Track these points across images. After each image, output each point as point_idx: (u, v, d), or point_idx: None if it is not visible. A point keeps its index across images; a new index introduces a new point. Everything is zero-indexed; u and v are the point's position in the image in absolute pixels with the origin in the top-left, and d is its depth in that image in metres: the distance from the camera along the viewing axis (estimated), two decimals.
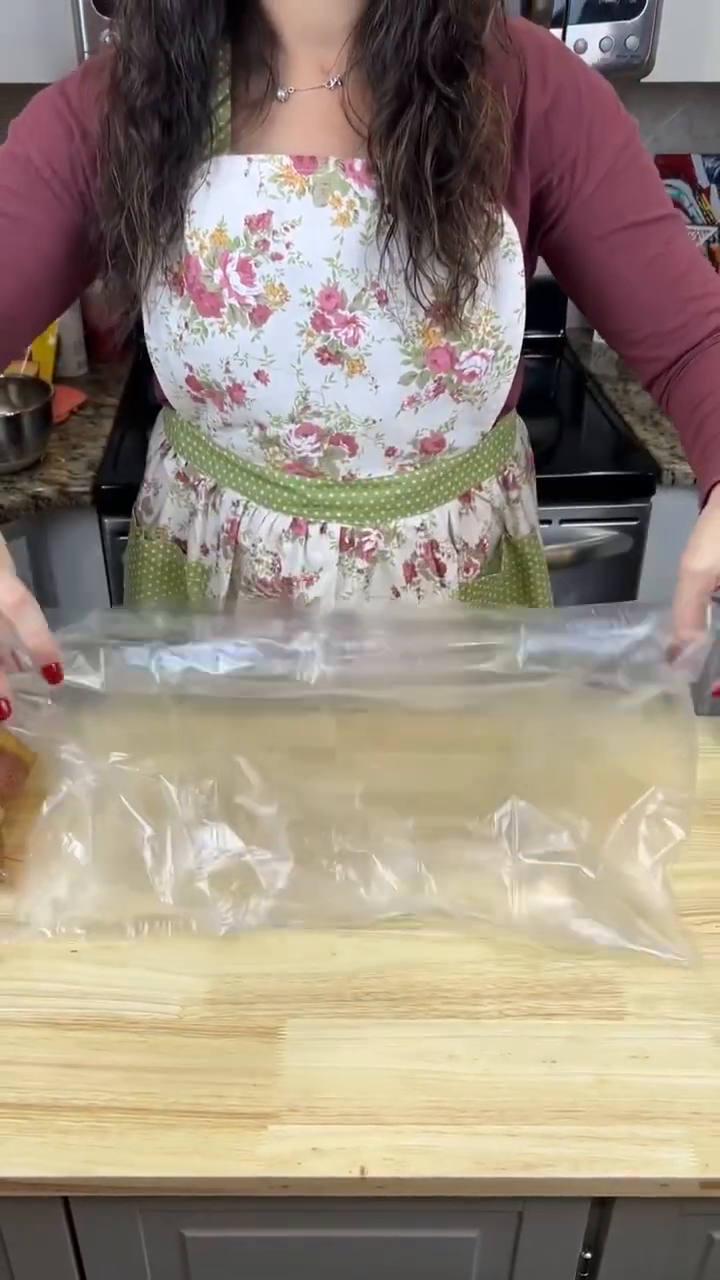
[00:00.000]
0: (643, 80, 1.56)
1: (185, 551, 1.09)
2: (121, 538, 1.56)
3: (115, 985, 0.77)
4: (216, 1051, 0.73)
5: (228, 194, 0.86)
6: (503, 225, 0.87)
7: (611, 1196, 0.70)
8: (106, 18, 1.42)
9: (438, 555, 1.03)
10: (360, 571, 1.02)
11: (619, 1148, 0.68)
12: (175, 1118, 0.69)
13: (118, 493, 1.51)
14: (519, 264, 0.90)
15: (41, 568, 1.60)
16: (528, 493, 1.11)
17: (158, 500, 1.11)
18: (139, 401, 1.81)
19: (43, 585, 1.61)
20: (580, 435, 1.81)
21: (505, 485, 1.06)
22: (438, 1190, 0.67)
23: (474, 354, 0.91)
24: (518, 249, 0.90)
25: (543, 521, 1.21)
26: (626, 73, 1.53)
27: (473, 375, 0.93)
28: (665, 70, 1.55)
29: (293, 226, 0.86)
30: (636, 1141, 0.68)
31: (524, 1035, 0.74)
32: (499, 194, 0.85)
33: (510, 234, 0.88)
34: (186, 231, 0.87)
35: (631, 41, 1.51)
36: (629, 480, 1.61)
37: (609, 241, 0.90)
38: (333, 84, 0.86)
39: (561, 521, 1.59)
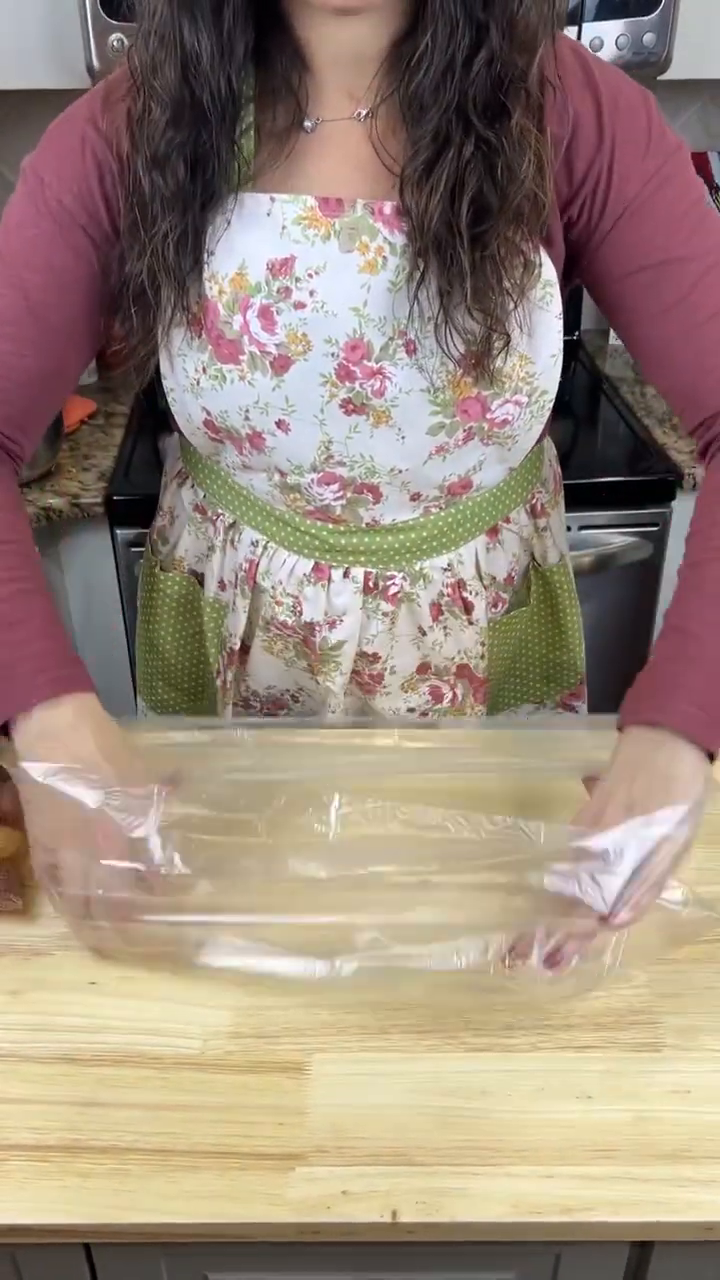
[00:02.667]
0: (659, 78, 1.53)
1: (202, 585, 1.06)
2: (135, 549, 1.54)
3: (135, 1018, 0.75)
4: (241, 1088, 0.71)
5: (249, 236, 0.81)
6: (540, 267, 0.82)
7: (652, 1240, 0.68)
8: (115, 21, 1.40)
9: (465, 594, 1.00)
10: (385, 615, 0.99)
11: (660, 1189, 0.65)
12: (200, 1159, 0.67)
13: (130, 504, 1.49)
14: (556, 307, 0.85)
15: (54, 581, 1.58)
16: (556, 519, 1.08)
17: (174, 530, 1.08)
18: (151, 409, 1.79)
19: (56, 600, 1.59)
20: (597, 439, 1.79)
21: (533, 513, 1.03)
22: (472, 1235, 0.65)
23: (507, 402, 0.87)
24: (555, 291, 0.84)
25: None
26: (643, 70, 1.50)
27: (505, 423, 0.89)
28: (682, 67, 1.52)
29: (317, 273, 0.81)
30: (678, 1183, 0.66)
31: (558, 1070, 0.72)
32: (536, 233, 0.80)
33: (548, 276, 0.83)
34: (206, 274, 0.83)
35: (648, 38, 1.48)
36: (648, 485, 1.58)
37: (626, 284, 0.84)
38: (363, 116, 0.80)
39: (580, 528, 1.57)
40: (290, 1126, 0.68)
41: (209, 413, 0.89)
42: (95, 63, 1.43)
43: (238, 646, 1.03)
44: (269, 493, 0.94)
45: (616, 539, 1.58)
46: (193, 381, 0.87)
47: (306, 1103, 0.70)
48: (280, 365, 0.84)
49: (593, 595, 1.58)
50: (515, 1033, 0.74)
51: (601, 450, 1.75)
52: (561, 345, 0.88)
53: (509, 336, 0.81)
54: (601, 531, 1.58)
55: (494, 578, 1.02)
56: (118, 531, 1.52)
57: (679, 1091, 0.71)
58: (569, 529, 1.54)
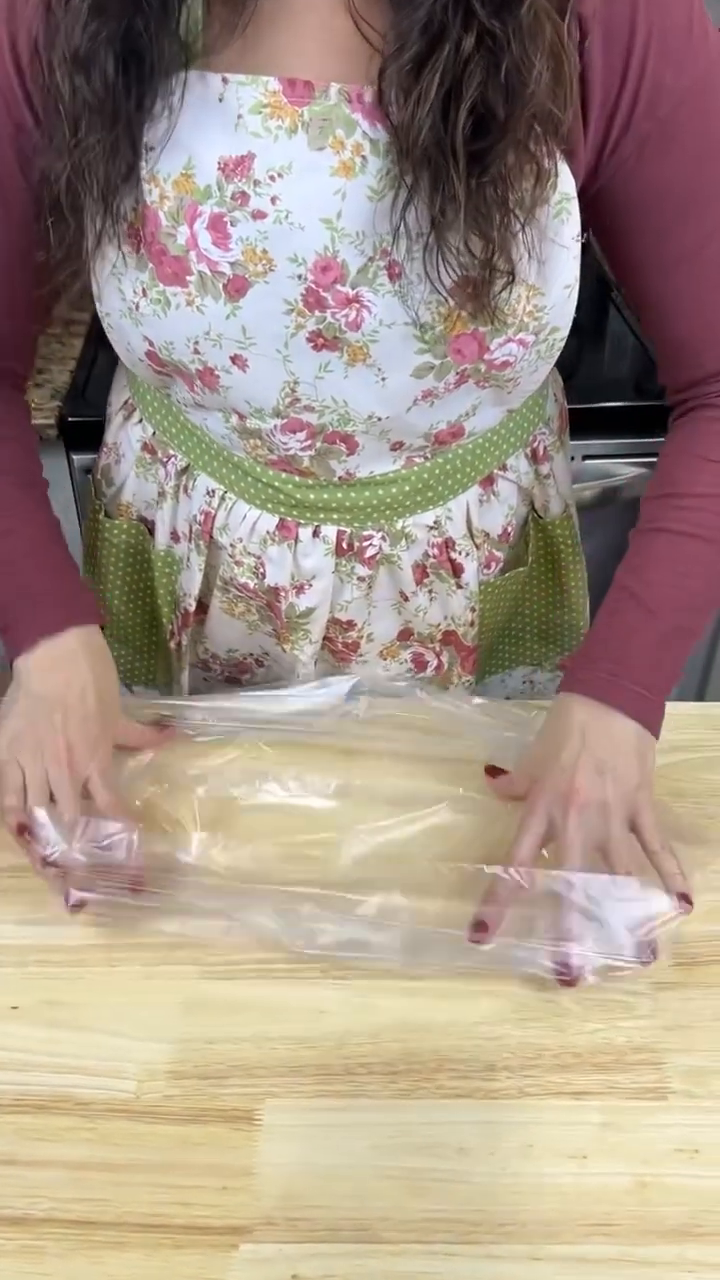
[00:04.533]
0: None
1: (153, 534, 0.93)
2: (90, 474, 1.40)
3: (63, 1052, 0.65)
4: (180, 1143, 0.61)
5: (197, 127, 0.66)
6: (556, 177, 0.66)
7: None
8: None
9: (453, 554, 0.87)
10: (361, 579, 0.86)
11: (665, 1276, 0.56)
12: (127, 1233, 0.57)
13: (87, 427, 1.34)
14: (574, 225, 0.70)
15: None
16: (560, 463, 0.94)
17: (120, 471, 0.94)
18: None
19: None
20: (604, 357, 1.63)
21: (534, 459, 0.89)
22: None
23: (509, 340, 0.72)
24: (573, 207, 0.69)
25: None
26: None
27: (506, 364, 0.74)
28: None
29: (280, 175, 0.66)
30: (683, 1267, 0.56)
31: (549, 1122, 0.62)
32: (554, 140, 0.65)
33: (565, 189, 0.68)
34: (143, 173, 0.67)
35: None
36: (660, 411, 1.43)
37: (640, 220, 0.71)
38: None
39: (584, 458, 1.43)
40: (235, 1192, 0.59)
41: (152, 343, 0.74)
42: None
43: (193, 607, 0.91)
44: (226, 436, 0.81)
45: (624, 470, 1.44)
46: (130, 306, 0.73)
47: (255, 1161, 0.60)
48: (235, 289, 0.70)
49: (594, 532, 1.45)
50: (499, 1074, 0.64)
51: (609, 369, 1.60)
52: (577, 274, 0.72)
53: (514, 264, 0.67)
54: (607, 462, 1.44)
55: (487, 534, 0.89)
56: (74, 457, 1.38)
57: (685, 1150, 0.61)
58: (571, 459, 1.41)
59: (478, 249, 0.65)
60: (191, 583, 0.89)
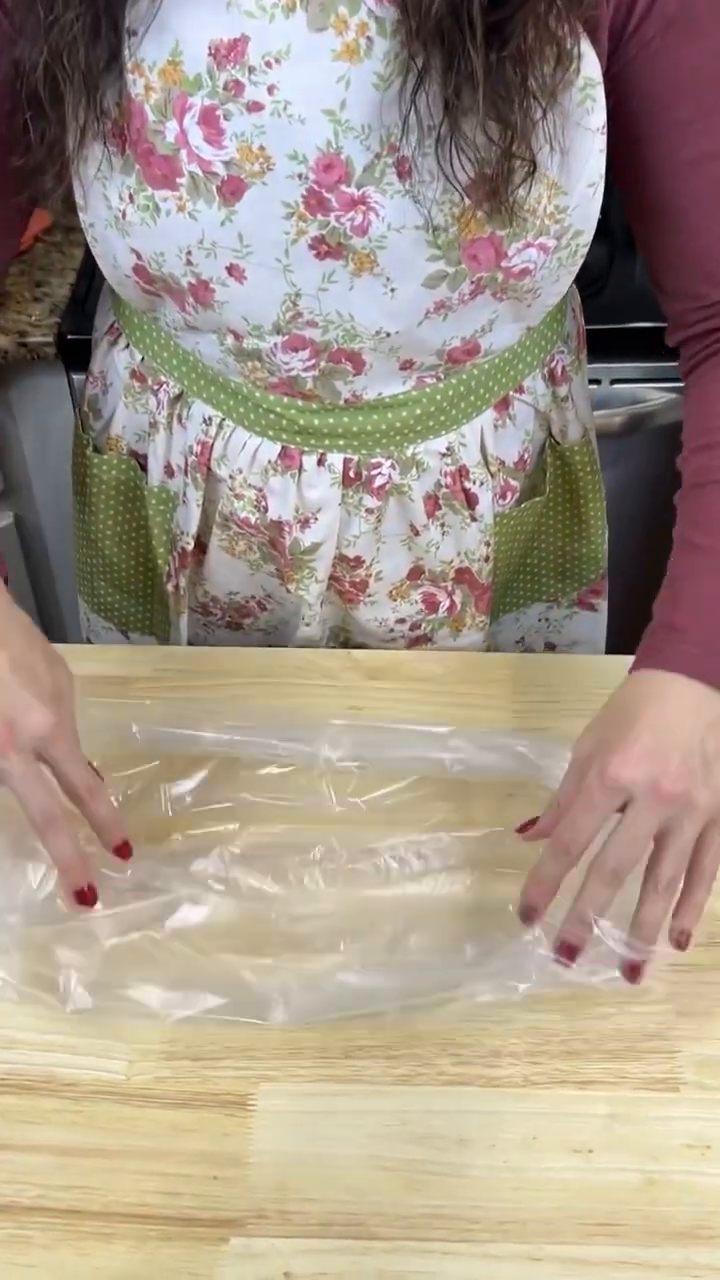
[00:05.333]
0: None
1: (145, 469, 0.88)
2: None
3: (50, 1030, 0.63)
4: (170, 1129, 0.59)
5: (184, 8, 0.59)
6: (580, 60, 0.60)
7: None
8: None
9: (467, 484, 0.81)
10: (369, 511, 0.81)
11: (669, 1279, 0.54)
12: (115, 1223, 0.56)
13: (89, 346, 1.28)
14: (599, 115, 0.63)
15: (6, 430, 1.38)
16: (579, 385, 0.87)
17: (107, 401, 0.88)
18: None
19: (9, 456, 1.40)
20: (635, 269, 1.54)
21: (552, 379, 0.83)
22: None
23: (529, 245, 0.66)
24: (599, 94, 0.62)
25: (591, 381, 0.99)
26: None
27: (525, 272, 0.68)
28: None
29: (278, 61, 0.60)
30: (690, 1271, 0.54)
31: (554, 1112, 0.60)
32: (577, 14, 0.58)
33: (589, 73, 0.61)
34: (127, 63, 0.61)
35: None
36: None
37: (657, 116, 0.64)
38: None
39: (612, 382, 1.35)
40: (226, 1182, 0.57)
41: (140, 255, 0.68)
42: None
43: (190, 546, 0.86)
44: (221, 360, 0.75)
45: (653, 395, 1.36)
46: (116, 215, 0.67)
47: (248, 1149, 0.58)
48: (231, 191, 0.64)
49: (619, 461, 1.38)
50: (504, 1060, 0.62)
51: (640, 284, 1.51)
52: (603, 171, 0.66)
53: (534, 153, 0.61)
54: (636, 386, 1.36)
55: (503, 462, 0.84)
56: (74, 376, 1.31)
57: (696, 1146, 0.59)
58: (597, 383, 1.33)
59: (496, 135, 0.59)
60: (189, 520, 0.84)
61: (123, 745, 0.73)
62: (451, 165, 0.60)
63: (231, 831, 0.71)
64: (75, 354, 1.30)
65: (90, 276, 1.40)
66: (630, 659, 0.66)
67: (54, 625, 1.64)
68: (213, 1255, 0.54)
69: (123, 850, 0.66)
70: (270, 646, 0.92)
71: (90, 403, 0.90)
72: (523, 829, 0.68)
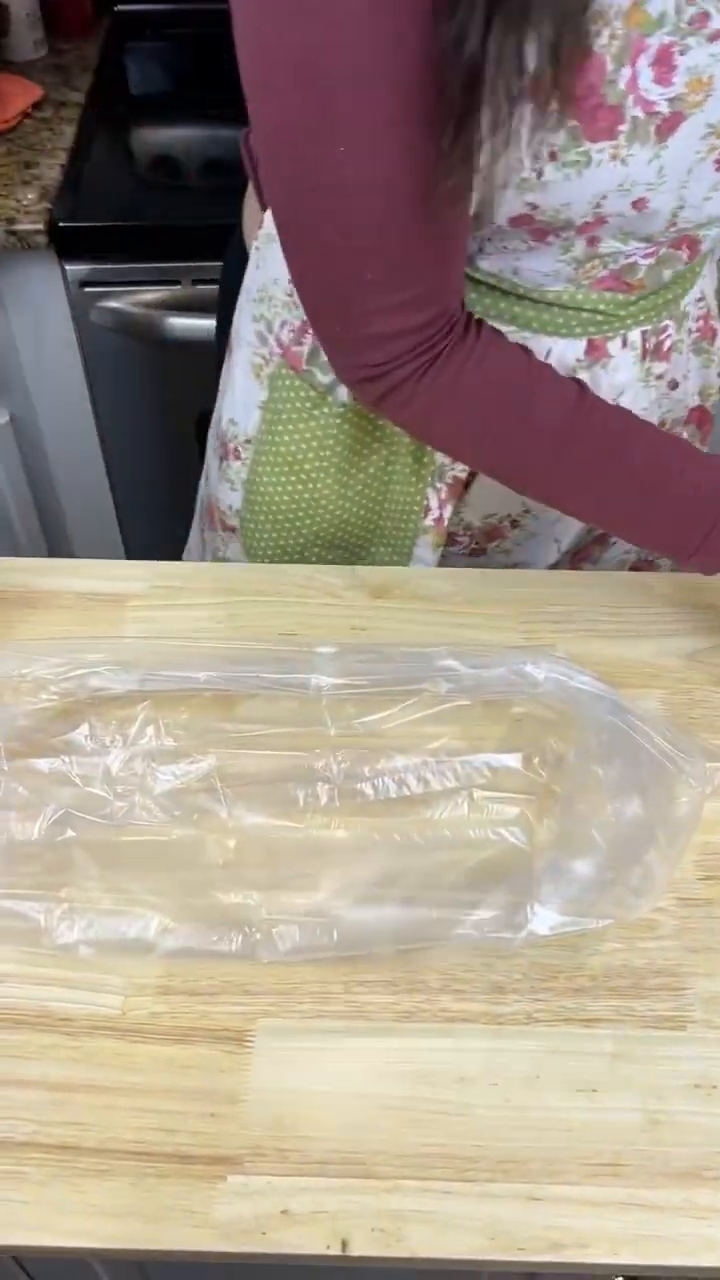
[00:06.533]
0: None
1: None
2: (90, 289, 1.28)
3: (43, 964, 0.61)
4: (166, 1064, 0.58)
5: None
6: None
7: None
8: None
9: (713, 322, 0.81)
10: (659, 377, 0.78)
11: (672, 1221, 0.53)
12: (111, 1160, 0.55)
13: (82, 233, 1.21)
14: None
15: None
16: None
17: None
18: (119, 92, 1.45)
19: (3, 348, 1.34)
20: None
21: None
22: (438, 1268, 0.54)
23: None
24: None
25: None
26: None
27: None
28: None
29: None
30: (693, 1212, 0.54)
31: (558, 1050, 0.59)
32: None
33: None
34: (593, 9, 0.53)
35: None
36: None
37: None
38: None
39: None
40: (223, 1119, 0.56)
41: (536, 207, 0.62)
42: None
43: (465, 474, 0.80)
44: (552, 271, 0.69)
45: None
46: (524, 177, 0.60)
47: (244, 1086, 0.57)
48: (668, 128, 0.58)
49: None
50: (508, 996, 0.60)
51: None
52: None
53: None
54: None
55: None
56: (67, 267, 1.25)
57: (702, 1086, 0.57)
58: None
59: None
60: None
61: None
62: None
63: (223, 759, 0.69)
64: (69, 243, 1.23)
65: (83, 157, 1.32)
66: None
67: (55, 535, 1.60)
68: (209, 1192, 0.54)
69: None
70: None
71: (310, 357, 0.79)
72: None
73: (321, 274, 0.63)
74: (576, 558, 0.91)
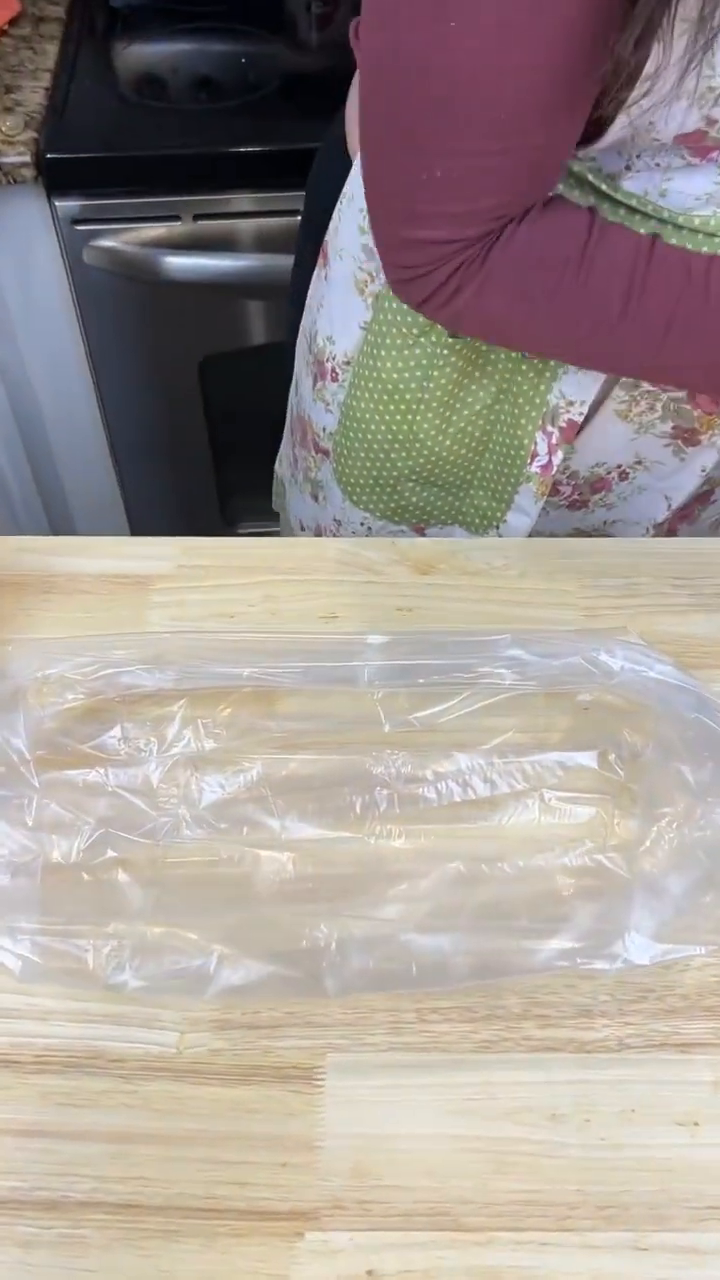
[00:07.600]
0: None
1: None
2: (81, 226, 1.18)
3: (88, 998, 0.56)
4: (231, 1107, 0.53)
5: None
6: None
7: None
8: None
9: None
10: None
11: None
12: (178, 1219, 0.51)
13: (71, 165, 1.12)
14: None
15: None
16: None
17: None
18: (98, 4, 1.33)
19: None
20: None
21: None
22: None
23: None
24: None
25: None
26: None
27: None
28: None
29: None
30: None
31: (654, 1080, 0.54)
32: None
33: None
34: None
35: None
36: None
37: None
38: None
39: None
40: (297, 1170, 0.52)
41: (716, 123, 0.56)
42: None
43: (582, 416, 0.73)
44: (698, 196, 0.63)
45: None
46: (711, 85, 0.54)
47: (318, 1131, 0.53)
48: None
49: None
50: (596, 1021, 0.56)
51: None
52: None
53: None
54: None
55: None
56: (57, 204, 1.15)
57: None
58: None
59: None
60: (585, 387, 0.72)
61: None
62: None
63: (270, 764, 0.63)
64: (58, 176, 1.14)
65: (68, 81, 1.22)
66: None
67: (50, 488, 1.52)
68: (288, 1252, 0.50)
69: None
70: (611, 526, 0.84)
71: None
72: None
73: (394, 158, 0.57)
74: (677, 516, 0.85)
